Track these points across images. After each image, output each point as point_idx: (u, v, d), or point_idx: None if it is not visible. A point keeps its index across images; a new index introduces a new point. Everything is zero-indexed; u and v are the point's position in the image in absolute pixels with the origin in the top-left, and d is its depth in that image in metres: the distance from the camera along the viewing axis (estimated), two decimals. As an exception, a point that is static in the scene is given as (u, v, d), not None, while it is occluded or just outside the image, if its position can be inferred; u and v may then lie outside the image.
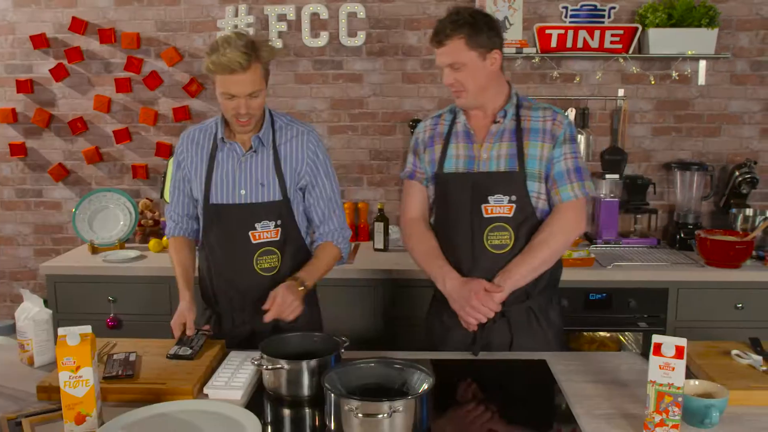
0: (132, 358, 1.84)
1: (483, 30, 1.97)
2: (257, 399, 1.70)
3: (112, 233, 3.42)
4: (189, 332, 1.93)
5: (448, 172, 2.10)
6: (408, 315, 3.06)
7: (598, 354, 2.01)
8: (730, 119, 3.53)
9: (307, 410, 1.67)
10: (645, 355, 1.95)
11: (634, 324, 3.03)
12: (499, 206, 2.03)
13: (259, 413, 1.60)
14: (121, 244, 3.39)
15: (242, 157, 2.08)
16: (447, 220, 2.11)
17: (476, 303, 1.95)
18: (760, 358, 1.81)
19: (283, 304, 1.93)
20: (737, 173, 3.37)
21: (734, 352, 1.85)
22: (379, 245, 3.40)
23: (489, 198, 2.03)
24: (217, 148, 2.10)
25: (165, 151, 3.65)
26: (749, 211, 3.28)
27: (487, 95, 2.05)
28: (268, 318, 1.92)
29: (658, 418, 1.45)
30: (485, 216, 2.03)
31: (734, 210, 3.32)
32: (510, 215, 2.03)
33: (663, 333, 2.99)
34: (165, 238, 3.33)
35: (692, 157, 3.55)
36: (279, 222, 2.08)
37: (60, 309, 3.12)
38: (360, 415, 1.41)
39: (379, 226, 3.39)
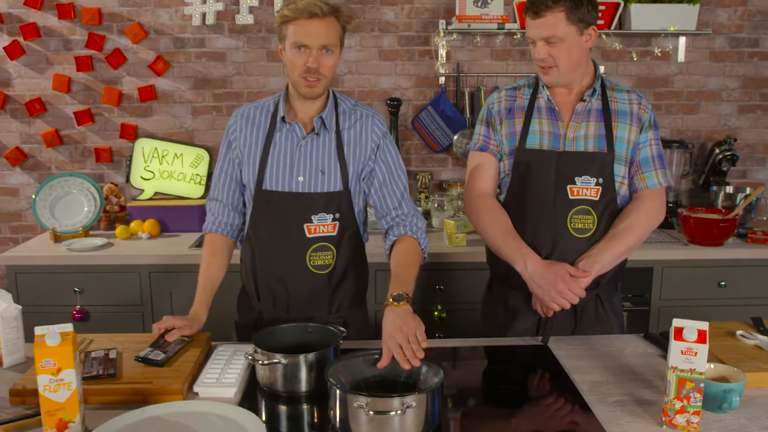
0: (112, 355, 1.71)
1: (583, 3, 1.85)
2: (251, 395, 1.60)
3: (76, 220, 3.23)
4: (169, 338, 1.75)
5: (531, 148, 1.99)
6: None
7: (598, 337, 1.95)
8: (709, 96, 3.52)
9: (305, 406, 1.57)
10: (648, 338, 1.92)
11: (619, 304, 3.00)
12: (586, 188, 1.94)
13: (255, 411, 1.50)
14: (86, 231, 3.21)
15: (302, 140, 1.89)
16: (526, 199, 1.99)
17: (562, 287, 1.85)
18: (765, 337, 1.77)
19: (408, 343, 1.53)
20: (717, 150, 3.36)
21: (739, 332, 1.81)
22: (357, 228, 3.30)
23: (576, 179, 1.94)
24: (274, 128, 1.91)
25: (130, 132, 3.48)
26: (730, 189, 3.28)
27: (576, 73, 1.95)
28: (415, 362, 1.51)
29: (678, 404, 1.40)
30: (571, 198, 1.94)
31: (715, 187, 3.31)
32: (596, 198, 1.94)
33: (648, 312, 2.99)
34: (133, 225, 3.20)
35: (671, 134, 3.53)
36: (337, 215, 1.89)
37: (22, 301, 2.93)
38: (371, 412, 1.32)
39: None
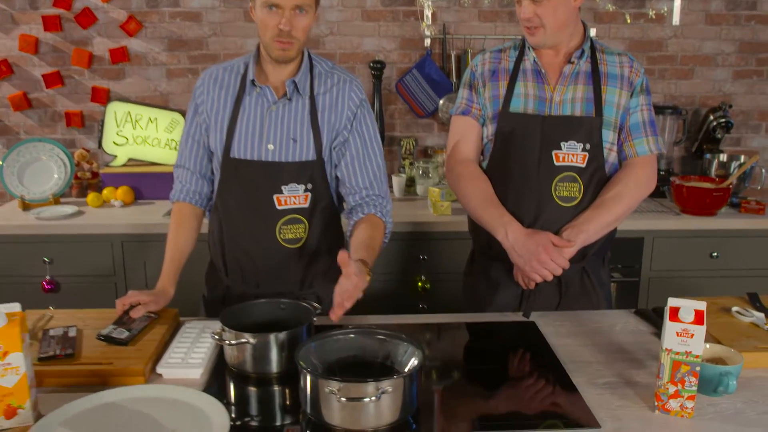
0: (72, 333, 1.61)
1: None
2: (219, 377, 1.50)
3: (45, 188, 3.10)
4: (134, 314, 1.64)
5: (515, 112, 1.88)
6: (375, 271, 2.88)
7: (587, 313, 1.86)
8: (703, 61, 3.40)
9: (276, 388, 1.48)
10: (640, 314, 1.83)
11: (607, 275, 2.92)
12: (572, 154, 1.83)
13: (222, 393, 1.42)
14: (56, 199, 3.09)
15: (273, 104, 1.77)
16: (509, 166, 1.88)
17: (545, 257, 1.74)
18: (762, 314, 1.69)
19: (355, 290, 1.51)
20: (711, 117, 3.26)
21: (734, 309, 1.73)
22: (339, 196, 3.19)
23: (562, 144, 1.83)
24: (244, 92, 1.78)
25: (101, 96, 3.32)
26: (723, 157, 3.19)
27: (564, 34, 1.83)
28: (337, 313, 1.50)
29: (672, 389, 1.31)
30: (556, 164, 1.83)
31: (708, 155, 3.22)
32: (583, 165, 1.84)
33: (637, 284, 2.92)
34: (105, 192, 3.08)
35: (665, 100, 3.42)
36: (309, 186, 1.77)
37: (-11, 272, 2.83)
38: (343, 399, 1.23)
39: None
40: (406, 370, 1.37)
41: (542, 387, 1.48)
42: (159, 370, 1.49)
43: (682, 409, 1.32)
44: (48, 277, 2.84)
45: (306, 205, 1.79)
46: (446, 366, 1.59)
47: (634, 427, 1.29)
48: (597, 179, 1.86)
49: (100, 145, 3.26)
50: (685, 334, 1.29)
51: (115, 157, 3.25)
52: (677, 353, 1.30)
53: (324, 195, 1.82)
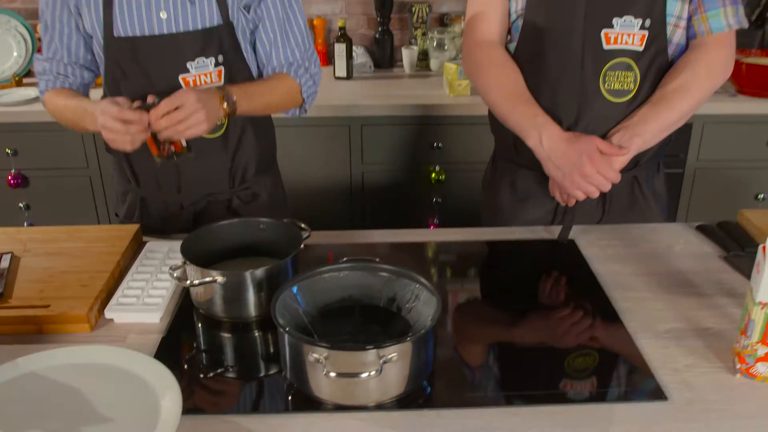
0: (4, 263, 1.30)
1: None
2: (184, 320, 1.21)
3: (5, 67, 2.73)
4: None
5: None
6: (382, 160, 2.56)
7: (638, 228, 1.53)
8: None
9: (256, 335, 1.19)
10: (703, 230, 1.51)
11: (647, 165, 2.58)
12: (627, 34, 1.43)
13: (189, 341, 1.16)
14: (18, 80, 2.72)
15: None
16: (544, 51, 1.48)
17: (589, 170, 1.37)
18: None
19: (185, 111, 1.27)
20: (780, -24, 2.77)
21: (824, 227, 1.40)
22: (341, 72, 2.82)
23: (615, 21, 1.42)
24: None
25: (62, -44, 2.85)
26: (791, 25, 2.73)
27: None
28: (153, 117, 1.26)
29: (763, 350, 1.01)
30: (606, 47, 1.43)
31: (773, 24, 2.76)
32: (640, 48, 1.43)
33: (682, 174, 2.57)
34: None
35: (723, -45, 2.91)
36: (220, 59, 1.45)
37: (-54, 167, 2.53)
38: (332, 374, 0.93)
39: (340, 49, 2.77)
40: (417, 323, 1.06)
41: (586, 340, 1.17)
42: (108, 314, 1.20)
43: (774, 375, 1.02)
44: (13, 171, 2.54)
45: (221, 83, 1.46)
46: (464, 316, 1.29)
47: (712, 398, 1.00)
48: (657, 66, 1.45)
49: (64, 16, 2.83)
50: (789, 285, 0.96)
51: (84, 29, 2.83)
52: (776, 308, 0.98)
53: (241, 68, 1.50)
